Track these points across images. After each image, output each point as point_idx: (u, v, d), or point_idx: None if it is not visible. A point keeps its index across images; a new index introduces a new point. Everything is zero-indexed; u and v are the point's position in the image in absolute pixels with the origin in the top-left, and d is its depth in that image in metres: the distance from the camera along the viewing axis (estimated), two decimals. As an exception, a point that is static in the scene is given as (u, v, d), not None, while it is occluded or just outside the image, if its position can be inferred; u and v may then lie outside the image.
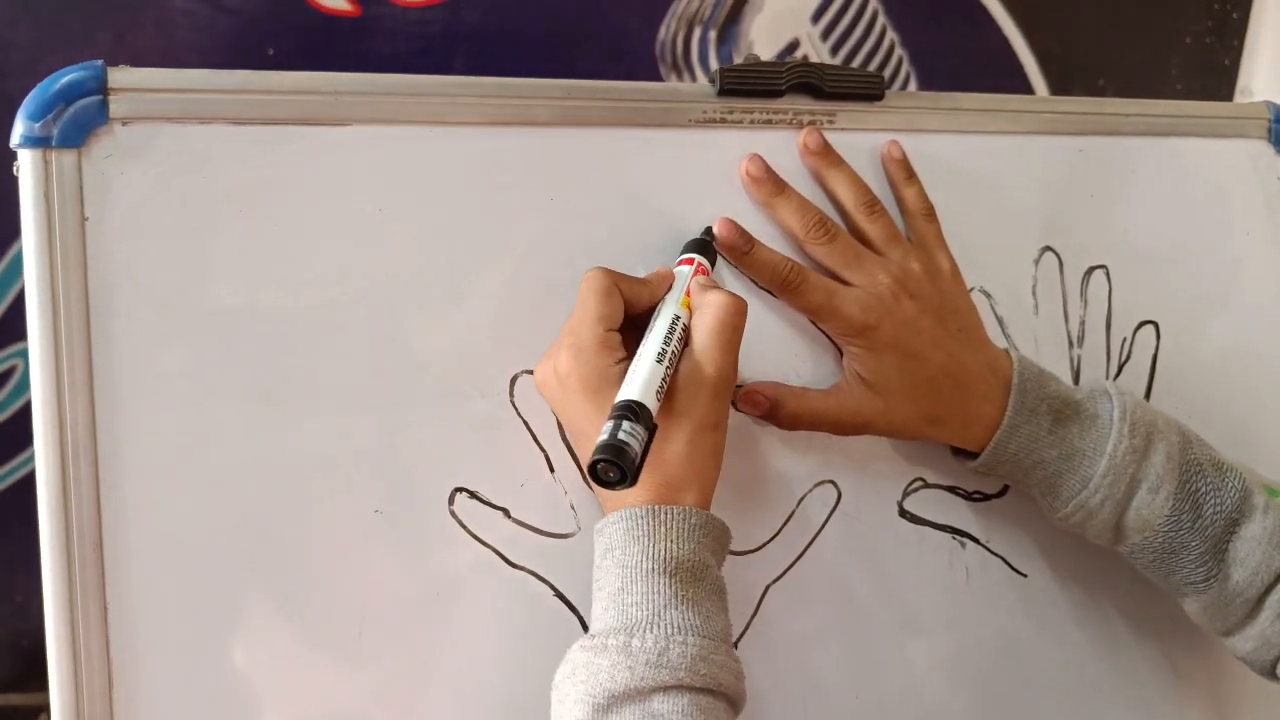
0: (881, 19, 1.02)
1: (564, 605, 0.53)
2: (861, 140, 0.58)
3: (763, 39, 1.00)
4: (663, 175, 0.56)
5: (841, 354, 0.57)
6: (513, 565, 0.53)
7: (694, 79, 0.96)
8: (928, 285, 0.57)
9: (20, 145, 0.46)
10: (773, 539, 0.58)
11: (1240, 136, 0.66)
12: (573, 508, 0.54)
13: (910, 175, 0.59)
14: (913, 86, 1.03)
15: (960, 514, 0.61)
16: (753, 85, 0.57)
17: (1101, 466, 0.56)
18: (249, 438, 0.49)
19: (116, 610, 0.47)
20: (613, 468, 0.45)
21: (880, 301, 0.55)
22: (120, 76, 0.47)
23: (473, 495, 0.52)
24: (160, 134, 0.47)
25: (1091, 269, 0.64)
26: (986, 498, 0.62)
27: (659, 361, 0.48)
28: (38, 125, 0.45)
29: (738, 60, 0.81)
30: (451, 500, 0.52)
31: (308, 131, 0.50)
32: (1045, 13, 1.04)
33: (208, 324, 0.48)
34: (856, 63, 1.00)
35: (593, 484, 0.46)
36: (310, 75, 0.50)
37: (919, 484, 0.61)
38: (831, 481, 0.59)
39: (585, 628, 0.53)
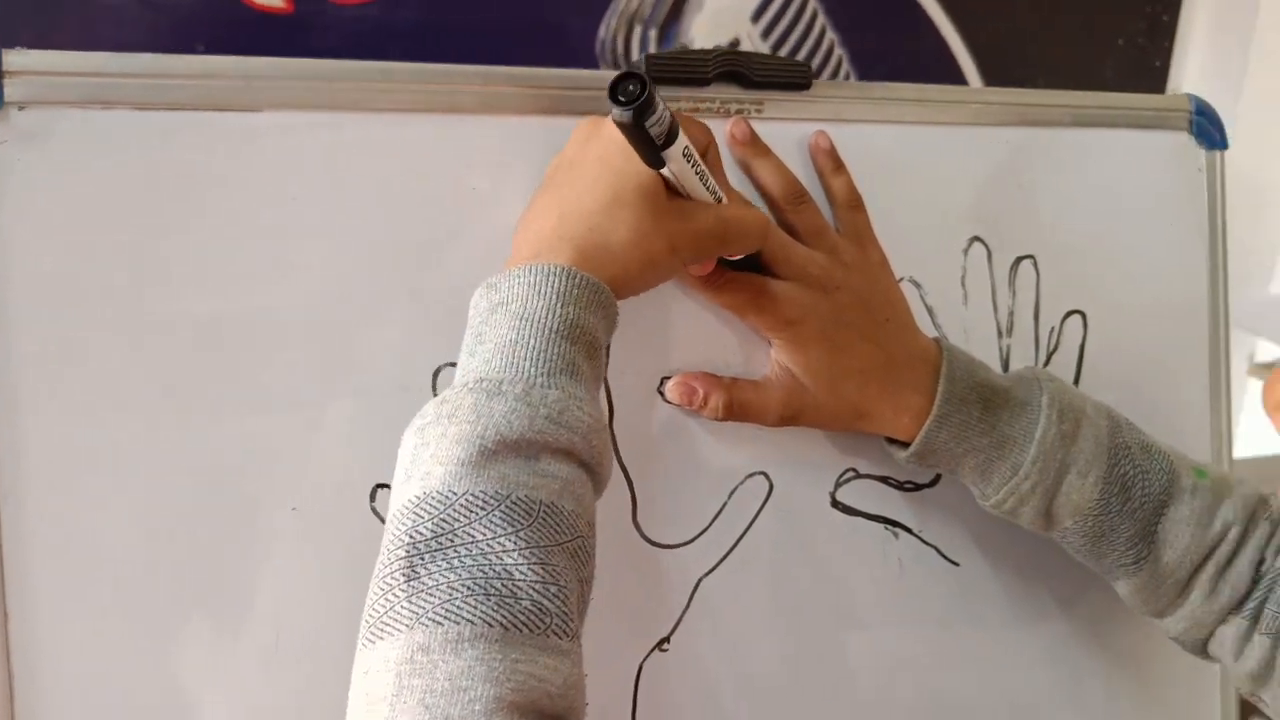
0: (821, 18, 1.02)
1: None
2: (789, 130, 0.58)
3: (703, 37, 1.00)
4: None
5: (771, 345, 0.57)
6: (437, 562, 0.51)
7: (634, 77, 0.95)
8: (856, 277, 0.57)
9: (-90, 131, 0.44)
10: (704, 532, 0.57)
11: (1163, 128, 0.67)
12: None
13: (838, 165, 0.59)
14: (852, 85, 1.02)
15: (893, 504, 0.61)
16: (679, 73, 0.56)
17: (1031, 452, 0.56)
18: (156, 438, 0.47)
19: (18, 618, 0.46)
20: (636, 83, 0.42)
21: (807, 295, 0.55)
22: (16, 59, 0.45)
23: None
24: (60, 119, 0.46)
25: (1019, 259, 0.64)
26: (919, 487, 0.62)
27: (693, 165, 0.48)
28: (-73, 110, 0.44)
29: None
30: (373, 497, 0.51)
31: (217, 118, 0.48)
32: (982, 15, 1.04)
33: (110, 319, 0.47)
34: (797, 62, 1.00)
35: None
36: (219, 59, 0.48)
37: (851, 474, 0.60)
38: (763, 473, 0.58)
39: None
